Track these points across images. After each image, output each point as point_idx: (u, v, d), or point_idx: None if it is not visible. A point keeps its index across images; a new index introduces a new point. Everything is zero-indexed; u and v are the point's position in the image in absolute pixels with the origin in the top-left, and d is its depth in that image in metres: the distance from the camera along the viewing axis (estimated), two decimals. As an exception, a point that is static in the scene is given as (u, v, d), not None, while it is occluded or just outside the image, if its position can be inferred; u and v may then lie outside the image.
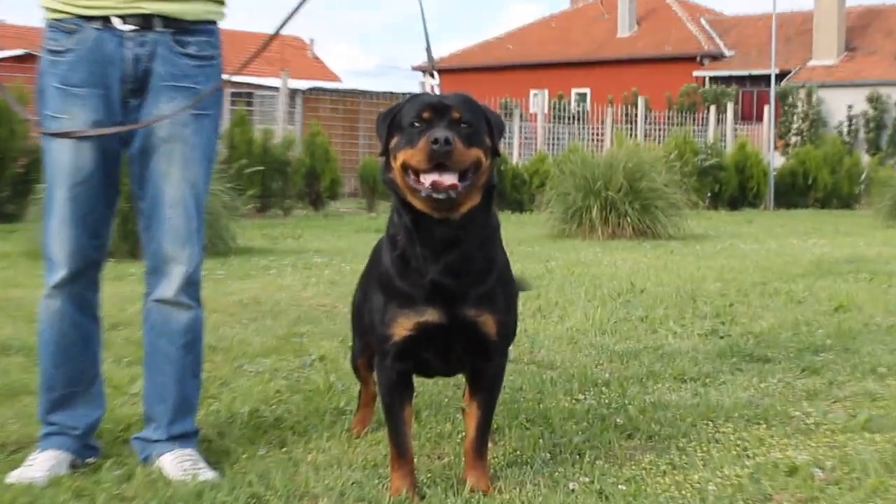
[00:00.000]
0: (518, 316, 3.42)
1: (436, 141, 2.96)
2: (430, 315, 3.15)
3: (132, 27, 3.43)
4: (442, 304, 3.14)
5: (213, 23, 3.59)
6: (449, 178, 2.98)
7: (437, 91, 3.34)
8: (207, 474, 3.43)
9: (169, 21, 3.46)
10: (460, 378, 3.71)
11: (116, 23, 3.42)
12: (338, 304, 7.28)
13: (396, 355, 3.22)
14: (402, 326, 3.17)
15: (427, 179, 2.99)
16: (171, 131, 3.46)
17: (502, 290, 3.25)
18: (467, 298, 3.15)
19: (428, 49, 3.52)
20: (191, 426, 3.63)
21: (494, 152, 3.15)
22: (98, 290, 3.65)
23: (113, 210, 3.59)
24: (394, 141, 3.12)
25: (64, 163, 3.44)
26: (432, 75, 3.44)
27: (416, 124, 3.05)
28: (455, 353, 3.27)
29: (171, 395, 3.57)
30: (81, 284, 3.55)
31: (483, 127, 3.11)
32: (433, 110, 3.06)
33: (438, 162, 2.97)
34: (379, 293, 3.26)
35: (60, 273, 3.50)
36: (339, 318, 6.66)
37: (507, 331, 3.30)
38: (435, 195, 2.98)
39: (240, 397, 4.52)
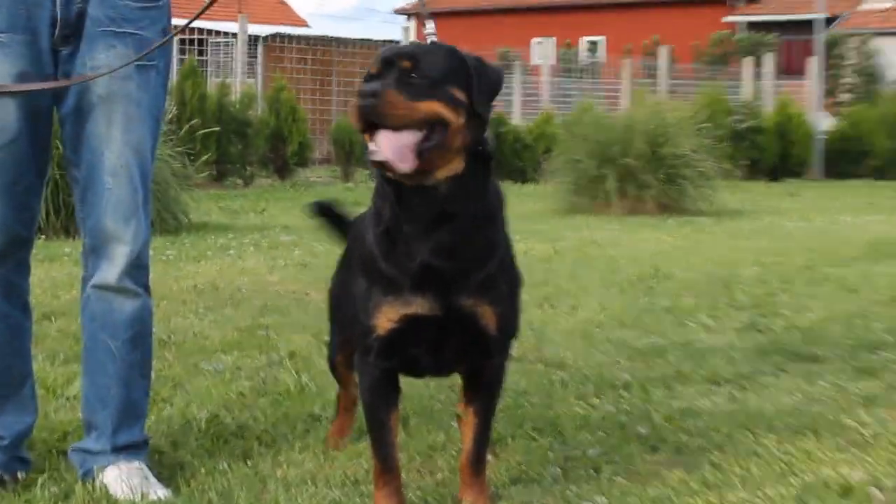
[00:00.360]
0: (522, 307, 3.43)
1: (362, 94, 2.97)
2: (421, 305, 3.14)
3: (62, -39, 3.40)
4: (434, 291, 3.13)
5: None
6: (387, 140, 2.97)
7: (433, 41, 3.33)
8: (159, 492, 3.43)
9: (106, -46, 3.44)
10: (455, 379, 3.71)
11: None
12: (310, 291, 7.28)
13: (381, 351, 3.22)
14: (388, 317, 3.17)
15: (372, 143, 3.01)
16: (111, 86, 3.43)
17: (505, 278, 3.25)
18: (464, 286, 3.15)
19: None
20: (139, 435, 3.61)
21: (473, 110, 3.08)
22: (27, 273, 3.63)
23: (43, 179, 3.57)
24: None
25: (-17, 123, 3.42)
26: (424, 25, 3.42)
27: (367, 80, 3.07)
28: (449, 350, 3.26)
29: (116, 399, 3.55)
30: (7, 267, 3.52)
31: (453, 79, 3.06)
32: (384, 63, 3.06)
33: (368, 120, 2.98)
34: (361, 277, 3.26)
35: (-19, 255, 3.48)
36: (311, 307, 6.66)
37: (510, 325, 3.30)
38: (373, 158, 2.99)
39: (196, 401, 4.52)
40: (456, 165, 3.07)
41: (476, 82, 3.09)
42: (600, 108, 17.36)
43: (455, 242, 3.11)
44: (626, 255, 9.51)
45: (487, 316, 3.18)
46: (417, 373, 3.50)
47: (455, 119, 3.02)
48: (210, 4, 3.70)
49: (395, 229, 3.12)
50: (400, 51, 3.09)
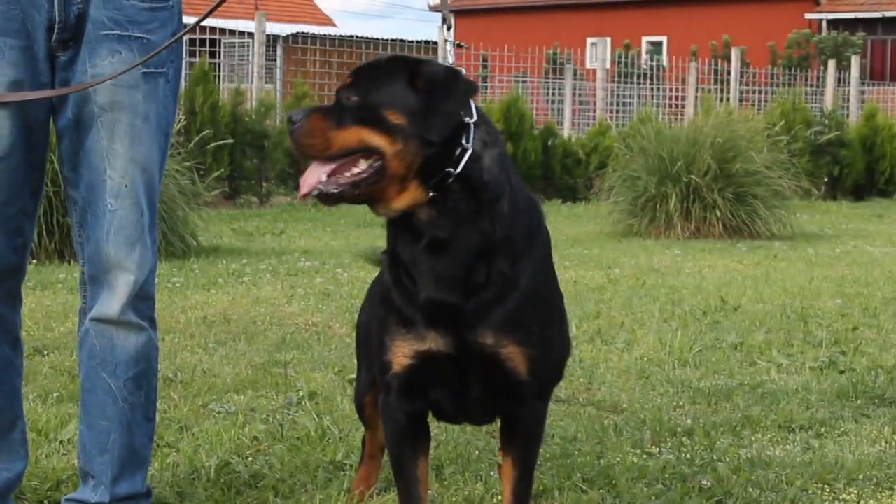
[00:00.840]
0: (570, 349, 3.42)
1: (287, 120, 3.09)
2: (433, 341, 3.16)
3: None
4: (446, 327, 3.14)
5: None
6: (312, 172, 3.05)
7: (449, 53, 3.35)
8: (163, 549, 3.45)
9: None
10: (495, 423, 3.72)
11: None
12: (333, 324, 7.31)
13: (401, 391, 3.24)
14: (402, 353, 3.19)
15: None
16: (115, 96, 3.44)
17: (538, 313, 3.22)
18: (482, 322, 3.14)
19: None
20: (141, 485, 3.64)
21: (420, 137, 3.02)
22: (18, 305, 3.65)
23: (38, 200, 3.60)
24: None
25: (-28, 138, 3.44)
26: (446, 25, 3.44)
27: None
28: (474, 394, 3.26)
29: (116, 445, 3.57)
30: (-3, 298, 3.57)
31: (390, 99, 3.05)
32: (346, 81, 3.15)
33: (297, 149, 3.09)
34: (380, 308, 3.30)
35: (-32, 283, 3.51)
36: (334, 341, 6.69)
37: (546, 370, 3.28)
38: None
39: (205, 447, 4.55)
40: (414, 194, 3.06)
41: (425, 102, 3.04)
42: (662, 117, 17.33)
43: (457, 272, 3.11)
44: (689, 284, 9.49)
45: (514, 358, 3.16)
46: (451, 418, 3.50)
47: (388, 146, 3.02)
48: (223, 1, 3.70)
49: (396, 252, 3.16)
50: (361, 65, 3.15)
